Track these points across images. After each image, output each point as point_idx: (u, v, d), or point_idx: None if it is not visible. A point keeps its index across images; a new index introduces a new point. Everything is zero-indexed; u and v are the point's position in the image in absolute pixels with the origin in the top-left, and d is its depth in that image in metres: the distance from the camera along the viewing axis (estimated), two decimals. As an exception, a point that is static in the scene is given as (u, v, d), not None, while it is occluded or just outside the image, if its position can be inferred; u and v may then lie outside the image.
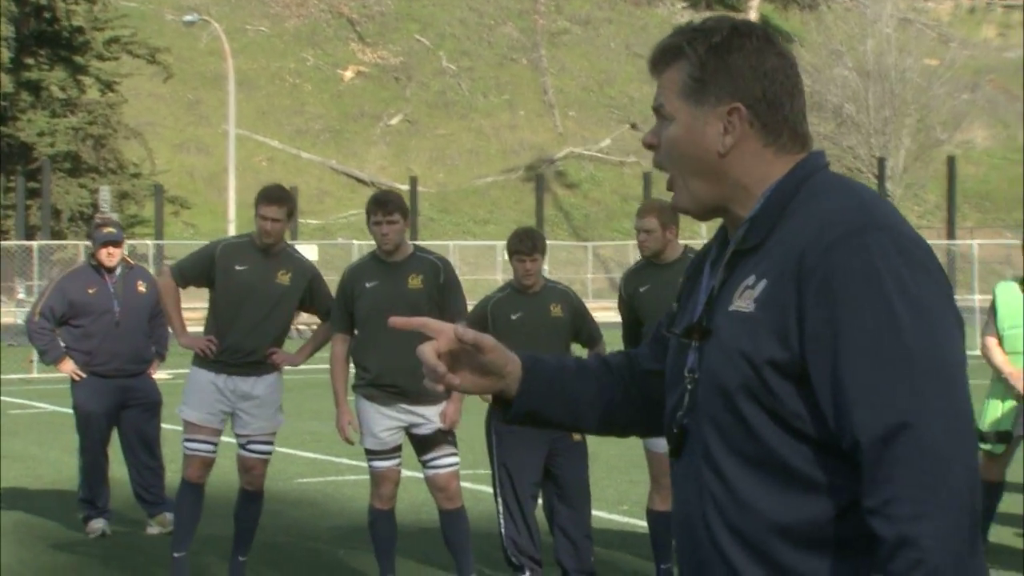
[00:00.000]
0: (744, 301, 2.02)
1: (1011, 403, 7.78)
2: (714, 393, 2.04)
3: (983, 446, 7.88)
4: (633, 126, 49.45)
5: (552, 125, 49.50)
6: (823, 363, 1.94)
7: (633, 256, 33.56)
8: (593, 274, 36.38)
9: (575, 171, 47.17)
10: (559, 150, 47.94)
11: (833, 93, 39.53)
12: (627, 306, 6.83)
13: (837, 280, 1.93)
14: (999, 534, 8.11)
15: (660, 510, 6.82)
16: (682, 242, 6.82)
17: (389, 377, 6.60)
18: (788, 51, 2.14)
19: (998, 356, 7.77)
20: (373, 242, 6.75)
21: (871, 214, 1.98)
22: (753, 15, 55.67)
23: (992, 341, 7.82)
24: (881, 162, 37.55)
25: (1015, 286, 7.89)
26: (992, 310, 7.87)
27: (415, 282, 6.64)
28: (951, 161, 37.73)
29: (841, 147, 39.18)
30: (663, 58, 2.16)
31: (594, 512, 7.06)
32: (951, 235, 36.37)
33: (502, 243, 34.93)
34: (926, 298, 1.93)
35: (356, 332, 6.72)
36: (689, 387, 2.09)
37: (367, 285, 6.66)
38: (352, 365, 6.74)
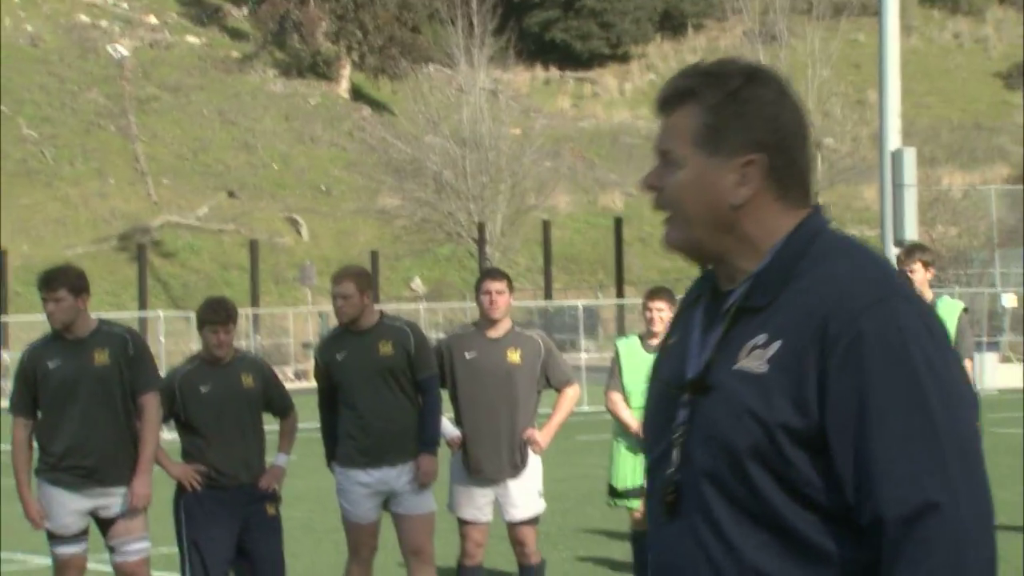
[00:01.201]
0: (754, 361, 1.94)
1: (643, 457, 7.86)
2: (717, 452, 1.94)
3: (625, 503, 7.85)
4: (231, 194, 48.79)
5: (146, 193, 48.09)
6: (847, 434, 1.88)
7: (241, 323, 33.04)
8: (198, 344, 35.64)
9: (172, 240, 45.95)
10: (154, 219, 46.60)
11: (432, 160, 40.50)
12: (323, 374, 6.73)
13: (865, 350, 1.89)
14: None
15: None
16: (378, 307, 6.82)
17: (77, 459, 6.22)
18: (800, 100, 2.04)
19: (624, 412, 7.78)
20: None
21: (892, 283, 1.95)
22: (345, 84, 56.32)
23: (617, 396, 7.82)
24: (481, 227, 38.74)
25: (636, 341, 7.91)
26: (615, 366, 7.87)
27: (102, 357, 6.32)
28: (546, 225, 39.41)
29: (442, 212, 40.15)
30: (673, 99, 2.03)
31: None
32: (548, 296, 37.89)
33: (96, 315, 33.63)
34: (949, 375, 1.92)
35: (40, 415, 6.33)
36: (680, 441, 1.98)
37: (50, 365, 6.29)
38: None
